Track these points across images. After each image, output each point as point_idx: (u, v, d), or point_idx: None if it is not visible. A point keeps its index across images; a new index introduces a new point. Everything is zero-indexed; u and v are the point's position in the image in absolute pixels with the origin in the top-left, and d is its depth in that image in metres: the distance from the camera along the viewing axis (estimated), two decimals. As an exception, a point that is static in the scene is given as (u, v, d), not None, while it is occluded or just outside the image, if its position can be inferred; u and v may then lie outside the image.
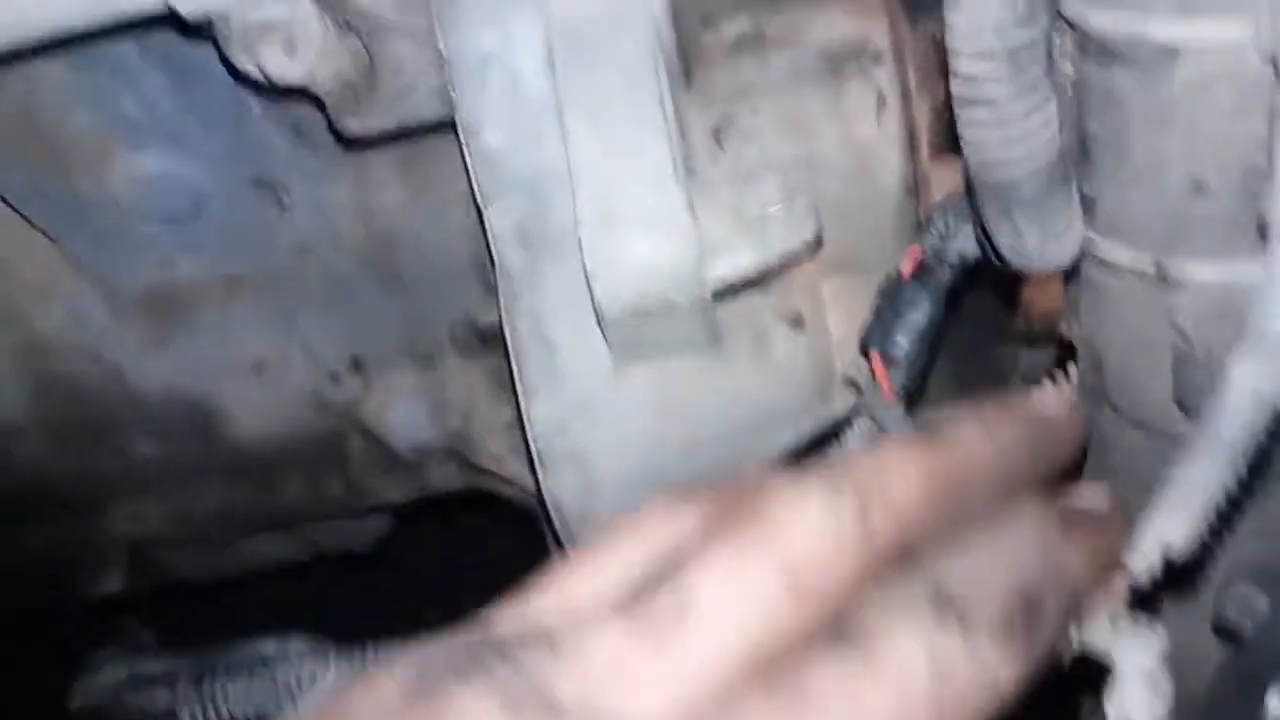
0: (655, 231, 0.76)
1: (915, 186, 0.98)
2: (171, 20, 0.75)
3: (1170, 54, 0.61)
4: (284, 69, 0.79)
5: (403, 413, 1.27)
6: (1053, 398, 0.69)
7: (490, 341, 1.18)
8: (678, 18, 0.91)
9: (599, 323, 0.79)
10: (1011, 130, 0.58)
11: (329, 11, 0.79)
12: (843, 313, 0.95)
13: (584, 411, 0.85)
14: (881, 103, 0.93)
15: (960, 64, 0.57)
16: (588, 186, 0.78)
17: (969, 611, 0.39)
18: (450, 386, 1.25)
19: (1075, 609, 0.46)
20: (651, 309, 0.78)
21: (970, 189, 0.68)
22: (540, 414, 0.85)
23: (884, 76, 0.93)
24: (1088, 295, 0.76)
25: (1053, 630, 0.43)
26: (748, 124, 0.94)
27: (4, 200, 1.05)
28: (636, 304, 0.78)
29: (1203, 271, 0.66)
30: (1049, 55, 0.60)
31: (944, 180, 0.98)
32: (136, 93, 0.96)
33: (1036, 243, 0.66)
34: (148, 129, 1.00)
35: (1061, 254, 0.69)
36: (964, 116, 0.59)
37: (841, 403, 0.93)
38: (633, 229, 0.77)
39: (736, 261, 0.78)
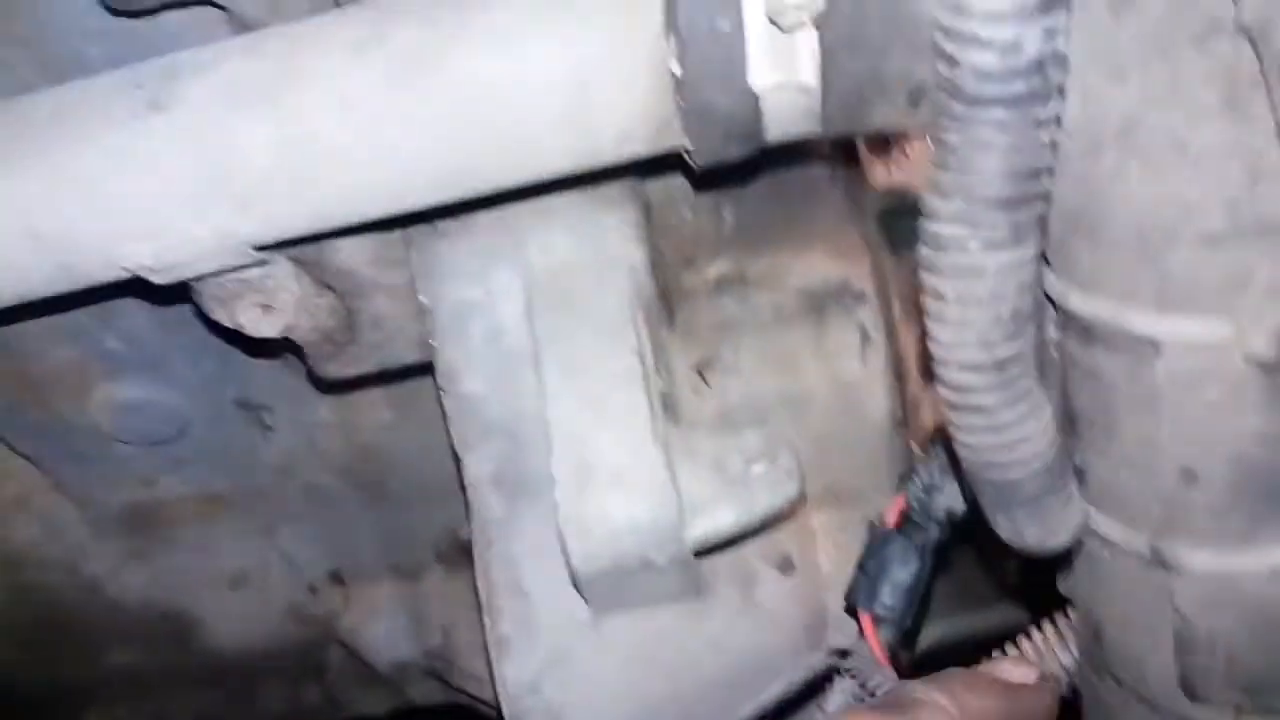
0: (631, 491, 0.74)
1: (905, 418, 0.97)
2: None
3: (1151, 346, 0.60)
4: (261, 326, 0.79)
5: (382, 628, 1.23)
6: (1022, 668, 0.66)
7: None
8: (659, 261, 0.91)
9: (573, 581, 0.76)
10: (1006, 435, 0.57)
11: (307, 270, 0.79)
12: (835, 548, 0.92)
13: (559, 665, 0.81)
14: (866, 339, 0.92)
15: (948, 374, 0.55)
16: (563, 443, 0.76)
17: None
18: (431, 602, 1.22)
19: None
20: (628, 567, 0.76)
21: (962, 470, 0.66)
22: (512, 672, 0.81)
23: (867, 314, 0.92)
24: (1084, 563, 0.73)
25: None
26: (731, 360, 0.93)
27: (-18, 424, 1.04)
28: (613, 563, 0.75)
29: (1201, 559, 0.64)
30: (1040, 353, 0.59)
31: (937, 403, 0.97)
32: (118, 328, 0.96)
33: (1036, 535, 0.64)
34: (129, 360, 0.99)
35: (1061, 541, 0.66)
36: (957, 421, 0.57)
37: (833, 646, 0.90)
38: (608, 487, 0.75)
39: (717, 521, 0.76)
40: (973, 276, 0.51)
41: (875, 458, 0.94)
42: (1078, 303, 0.63)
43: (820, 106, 0.64)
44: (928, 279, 0.53)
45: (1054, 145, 0.51)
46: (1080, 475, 0.69)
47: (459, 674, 1.20)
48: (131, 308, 0.95)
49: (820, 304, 0.93)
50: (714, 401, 0.93)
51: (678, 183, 0.93)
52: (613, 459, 0.75)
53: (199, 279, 0.77)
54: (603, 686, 0.83)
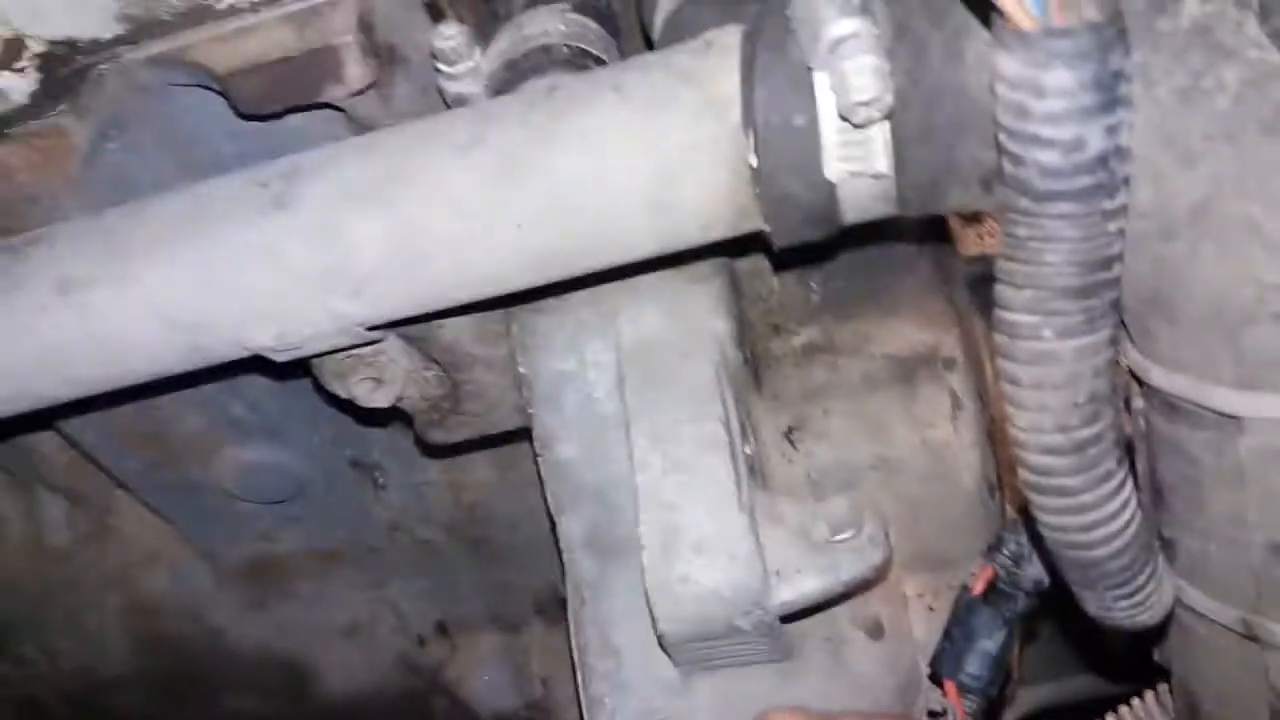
0: (717, 557, 0.77)
1: (999, 483, 0.97)
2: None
3: (1235, 424, 0.60)
4: (373, 398, 0.84)
5: (485, 679, 1.28)
6: None
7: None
8: (747, 329, 0.94)
9: (661, 644, 0.79)
10: (1088, 516, 0.58)
11: (415, 346, 0.85)
12: (926, 613, 0.93)
13: (647, 721, 0.84)
14: (957, 405, 0.93)
15: (1028, 456, 0.56)
16: (649, 508, 0.79)
17: None
18: (532, 654, 1.26)
19: None
20: (714, 632, 0.78)
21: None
22: (624, 733, 0.84)
23: (957, 381, 0.93)
24: (1179, 635, 0.73)
25: None
26: (820, 426, 0.95)
27: (120, 484, 1.12)
28: (699, 628, 0.77)
29: (1291, 635, 0.63)
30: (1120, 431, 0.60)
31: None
32: (243, 397, 1.03)
33: (1125, 613, 0.64)
34: (253, 426, 1.06)
35: (1152, 617, 0.66)
36: (1038, 503, 0.58)
37: (926, 709, 0.90)
38: (693, 554, 0.77)
39: (802, 588, 0.77)
40: (1048, 363, 0.53)
41: (967, 523, 0.94)
42: (1159, 379, 0.64)
43: (895, 190, 0.66)
44: (1003, 365, 0.55)
45: (1122, 233, 0.52)
46: (1169, 548, 0.69)
47: (558, 724, 1.23)
48: (255, 380, 1.02)
49: (910, 370, 0.94)
50: (802, 466, 0.94)
51: (767, 253, 0.96)
52: (698, 525, 0.78)
53: (317, 356, 0.83)
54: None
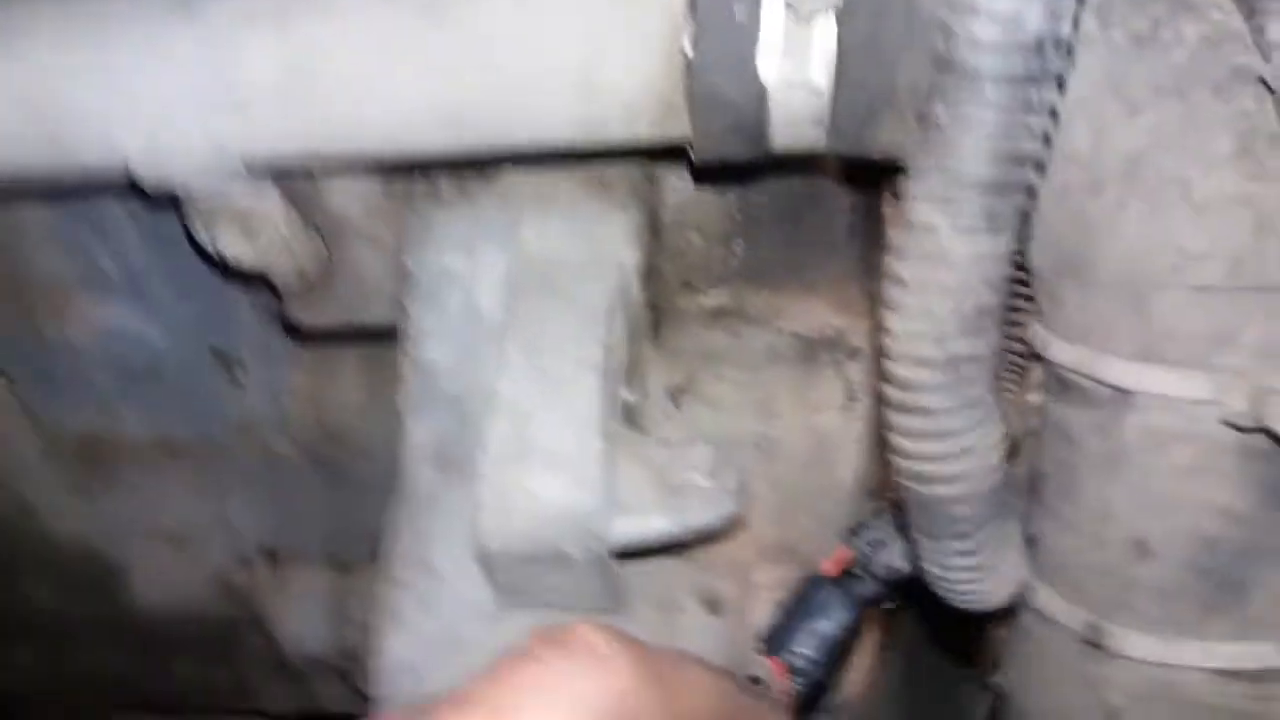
0: (562, 474, 0.71)
1: (878, 489, 0.93)
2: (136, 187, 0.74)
3: (1125, 398, 0.57)
4: (239, 253, 0.78)
5: (304, 615, 1.18)
6: None
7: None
8: (656, 277, 0.89)
9: (481, 559, 0.72)
10: (948, 444, 0.53)
11: (297, 206, 0.78)
12: (772, 606, 0.87)
13: (448, 652, 0.77)
14: (851, 396, 0.89)
15: (897, 369, 0.52)
16: (505, 414, 0.73)
17: None
18: (359, 599, 1.17)
19: None
20: (541, 555, 0.71)
21: (902, 503, 0.62)
22: (396, 648, 0.77)
23: (857, 372, 0.89)
24: (1020, 644, 0.69)
25: None
26: (709, 391, 0.90)
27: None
28: (526, 547, 0.71)
29: (1140, 646, 0.59)
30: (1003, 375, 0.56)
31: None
32: (113, 247, 0.96)
33: (966, 575, 0.59)
34: (117, 283, 0.98)
35: (993, 594, 0.62)
36: (897, 424, 0.54)
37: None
38: (540, 466, 0.71)
39: (644, 525, 0.72)
40: (938, 262, 0.49)
41: (836, 521, 0.89)
42: (1059, 352, 0.61)
43: (829, 115, 0.63)
44: (891, 265, 0.51)
45: (1043, 136, 0.49)
46: (1033, 545, 0.65)
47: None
48: (128, 231, 0.95)
49: (812, 352, 0.90)
50: (681, 427, 0.89)
51: (693, 207, 0.92)
52: (550, 439, 0.72)
53: (189, 194, 0.76)
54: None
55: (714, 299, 0.93)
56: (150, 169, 0.71)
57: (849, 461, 0.89)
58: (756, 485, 0.89)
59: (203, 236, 0.79)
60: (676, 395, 0.91)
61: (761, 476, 0.89)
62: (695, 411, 0.90)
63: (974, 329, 0.50)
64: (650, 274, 0.87)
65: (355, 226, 0.81)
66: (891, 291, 0.51)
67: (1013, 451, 0.74)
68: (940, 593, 0.62)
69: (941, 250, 0.49)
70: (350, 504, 1.15)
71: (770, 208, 0.90)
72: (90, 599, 1.21)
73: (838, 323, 0.91)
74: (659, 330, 0.91)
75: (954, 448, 0.52)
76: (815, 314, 0.92)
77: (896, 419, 0.53)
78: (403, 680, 0.77)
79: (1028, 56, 0.46)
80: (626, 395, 0.84)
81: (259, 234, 0.78)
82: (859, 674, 1.06)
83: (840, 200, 0.90)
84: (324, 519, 1.17)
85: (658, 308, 0.91)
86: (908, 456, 0.54)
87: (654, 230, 0.87)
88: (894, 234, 0.50)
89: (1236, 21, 0.54)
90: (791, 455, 0.89)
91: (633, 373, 0.86)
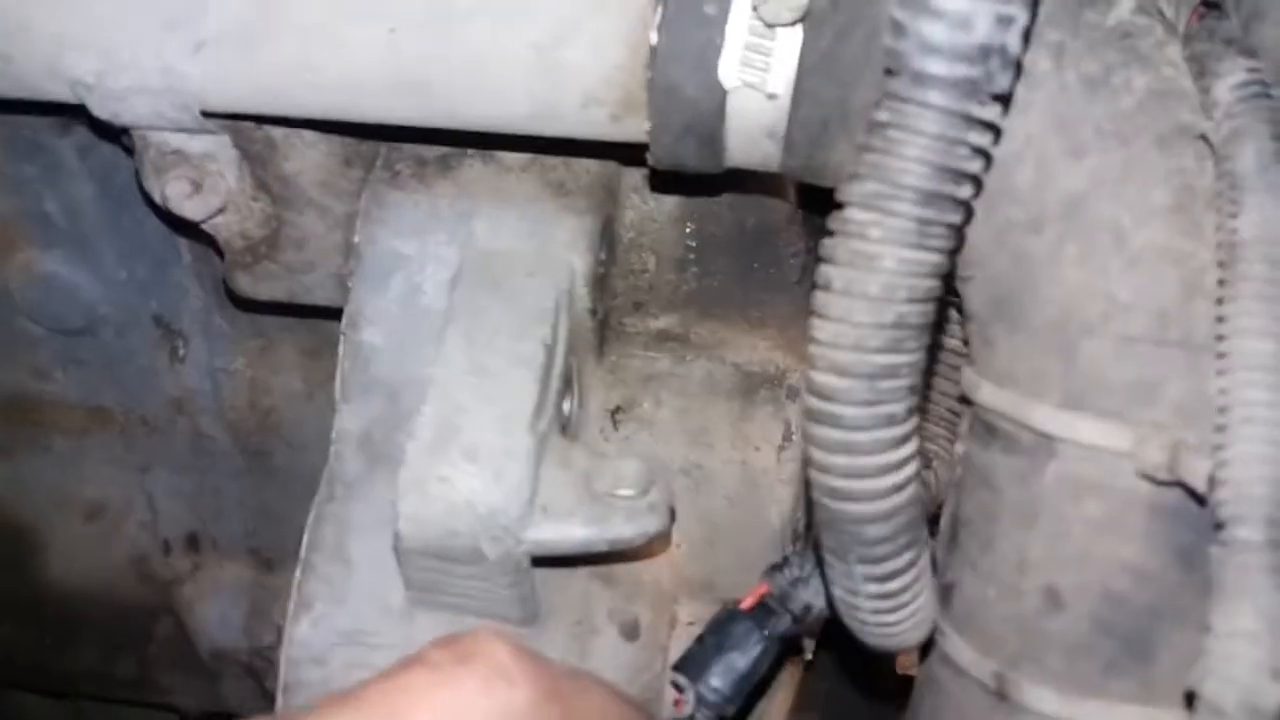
0: (485, 468, 0.69)
1: (804, 533, 0.91)
2: (92, 121, 0.73)
3: (1047, 446, 0.56)
4: (184, 203, 0.76)
5: (218, 609, 1.15)
6: None
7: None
8: (607, 290, 0.88)
9: (395, 548, 0.70)
10: (860, 460, 0.52)
11: (251, 164, 0.77)
12: (688, 638, 0.85)
13: (354, 646, 0.75)
14: (787, 437, 0.88)
15: (816, 376, 0.51)
16: (436, 403, 0.72)
17: None
18: (279, 599, 1.14)
19: None
20: (456, 551, 0.69)
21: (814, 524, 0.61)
22: (304, 635, 0.74)
23: (795, 413, 0.88)
24: (929, 696, 0.67)
25: None
26: (647, 414, 0.89)
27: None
28: (440, 540, 0.69)
29: (1044, 700, 0.58)
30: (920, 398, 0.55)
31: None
32: (62, 192, 0.94)
33: (875, 605, 0.58)
34: (62, 232, 0.96)
35: (904, 633, 0.60)
36: (812, 434, 0.53)
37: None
38: (463, 458, 0.70)
39: (564, 531, 0.70)
40: (865, 267, 0.48)
41: (760, 561, 0.88)
42: (986, 395, 0.60)
43: (784, 127, 0.63)
44: (820, 269, 0.50)
45: (983, 154, 0.48)
46: (948, 593, 0.64)
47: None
48: (80, 177, 0.93)
49: (753, 387, 0.89)
50: (616, 448, 0.88)
51: (651, 230, 0.91)
52: (478, 432, 0.71)
53: (141, 135, 0.75)
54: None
55: (662, 322, 0.92)
56: (102, 100, 0.70)
57: (779, 502, 0.88)
58: (685, 516, 0.87)
59: (151, 184, 0.78)
60: (615, 415, 0.89)
61: (690, 507, 0.87)
62: (630, 433, 0.89)
63: (894, 344, 0.49)
64: (602, 288, 0.86)
65: (308, 195, 0.80)
66: (818, 296, 0.50)
67: (937, 501, 0.73)
68: (850, 627, 0.61)
69: (868, 257, 0.48)
70: (279, 498, 1.12)
71: (726, 240, 0.90)
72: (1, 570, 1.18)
73: (781, 361, 0.90)
74: (604, 348, 0.90)
75: (867, 464, 0.51)
76: (759, 350, 0.91)
77: (812, 429, 0.52)
78: (308, 671, 0.75)
79: (974, 64, 0.46)
80: (565, 406, 0.83)
81: (208, 187, 0.77)
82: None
83: (795, 241, 0.90)
84: (250, 511, 1.14)
85: (606, 325, 0.90)
86: (820, 469, 0.52)
87: (609, 244, 0.87)
88: (826, 240, 0.50)
89: (1186, 81, 0.55)
90: (721, 489, 0.88)
91: (573, 384, 0.84)
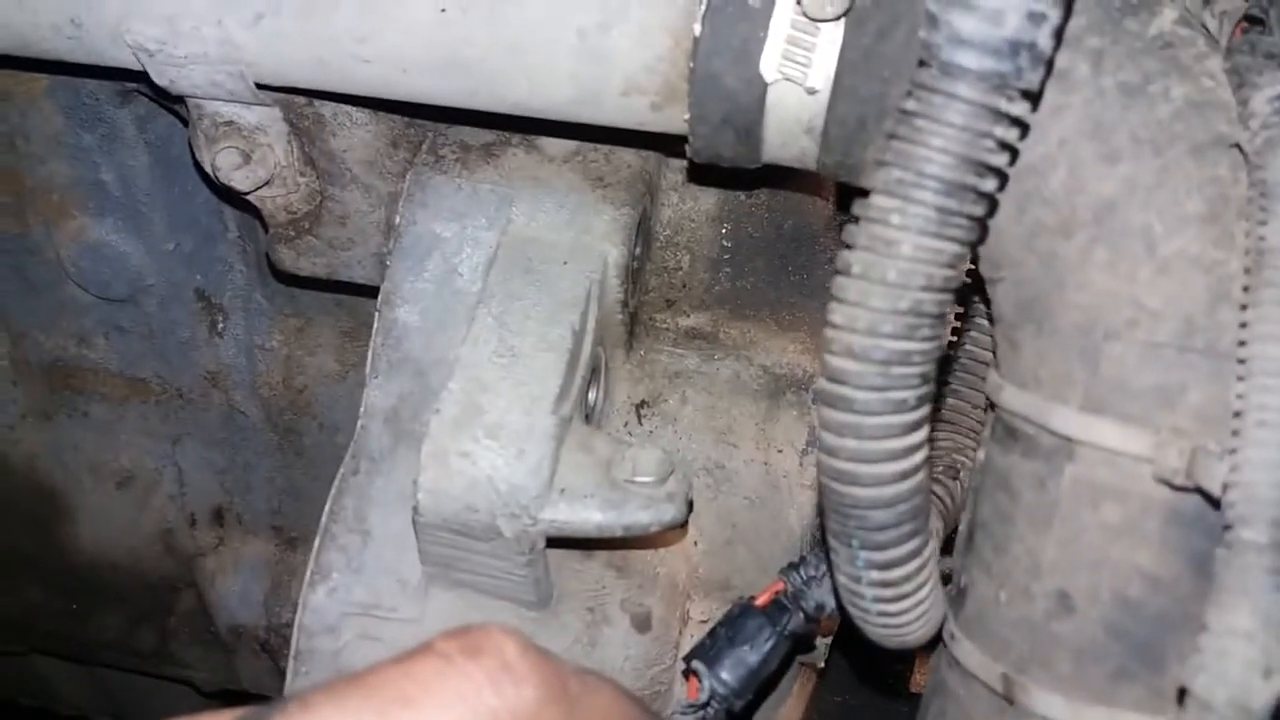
0: (507, 447, 0.70)
1: (822, 537, 0.91)
2: (152, 88, 0.75)
3: (1066, 450, 0.56)
4: (232, 173, 0.79)
5: (239, 584, 1.16)
6: None
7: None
8: (640, 285, 0.89)
9: (414, 522, 0.71)
10: (869, 445, 0.52)
11: (300, 139, 0.79)
12: (700, 635, 0.85)
13: (369, 617, 0.75)
14: (810, 442, 0.88)
15: (830, 359, 0.51)
16: (462, 381, 0.73)
17: None
18: (298, 577, 1.15)
19: None
20: (473, 527, 0.70)
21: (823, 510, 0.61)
22: (320, 603, 0.75)
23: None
24: (937, 699, 0.66)
25: None
26: (673, 410, 0.90)
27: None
28: (458, 515, 0.70)
29: (1051, 705, 0.57)
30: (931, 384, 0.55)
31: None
32: (119, 163, 0.96)
33: (878, 594, 0.58)
34: (115, 201, 0.99)
35: (908, 628, 0.60)
36: (824, 418, 0.53)
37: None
38: (485, 435, 0.71)
39: (580, 514, 0.71)
40: (883, 252, 0.48)
41: (776, 564, 0.87)
42: (1009, 398, 0.60)
43: (822, 123, 0.64)
44: (841, 254, 0.51)
45: (1008, 149, 0.49)
46: (961, 597, 0.64)
47: (292, 657, 1.12)
48: (136, 148, 0.96)
49: (780, 389, 0.90)
50: (639, 441, 0.88)
51: (688, 228, 0.92)
52: (502, 411, 0.72)
53: (196, 104, 0.77)
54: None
55: (693, 320, 0.93)
56: (162, 67, 0.72)
57: (799, 506, 0.88)
58: (704, 514, 0.88)
59: (203, 153, 0.80)
60: (640, 409, 0.90)
61: (709, 506, 0.88)
62: (655, 428, 0.89)
63: (908, 330, 0.49)
64: (635, 282, 0.87)
65: (353, 173, 0.82)
66: (837, 281, 0.51)
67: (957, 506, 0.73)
68: (853, 617, 0.61)
69: (888, 242, 0.48)
70: (306, 477, 1.14)
71: (762, 242, 0.91)
72: (29, 530, 1.20)
73: (809, 365, 0.91)
74: (634, 342, 0.91)
75: (875, 449, 0.51)
76: (789, 353, 0.91)
77: (823, 413, 0.52)
78: (321, 641, 0.76)
79: (1003, 59, 0.46)
80: (591, 396, 0.84)
81: (257, 159, 0.79)
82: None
83: (830, 246, 0.90)
84: (277, 489, 1.16)
85: (637, 319, 0.91)
86: (828, 451, 0.53)
87: (645, 239, 0.88)
88: (849, 226, 0.50)
89: (1224, 93, 0.55)
90: (742, 490, 0.88)
91: (601, 375, 0.85)
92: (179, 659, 1.25)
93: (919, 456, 0.53)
